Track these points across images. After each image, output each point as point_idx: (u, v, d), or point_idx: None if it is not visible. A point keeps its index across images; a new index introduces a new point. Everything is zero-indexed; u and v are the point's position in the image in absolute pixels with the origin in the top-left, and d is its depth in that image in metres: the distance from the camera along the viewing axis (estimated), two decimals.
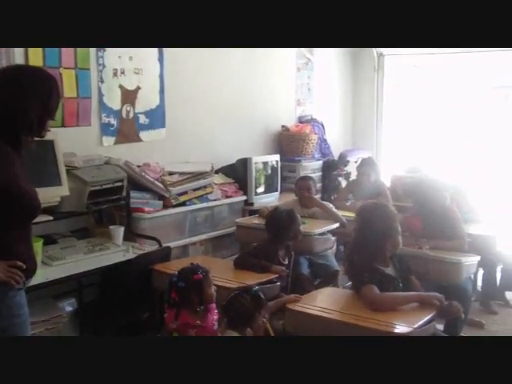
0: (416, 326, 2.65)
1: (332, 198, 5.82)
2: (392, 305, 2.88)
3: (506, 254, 4.76)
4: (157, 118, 4.54)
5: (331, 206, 4.80)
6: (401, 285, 3.07)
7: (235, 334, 2.62)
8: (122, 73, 4.23)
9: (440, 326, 3.72)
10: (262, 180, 5.08)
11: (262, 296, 2.76)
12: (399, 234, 3.16)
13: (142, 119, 4.44)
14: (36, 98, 2.06)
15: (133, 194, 3.93)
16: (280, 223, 3.80)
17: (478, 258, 3.86)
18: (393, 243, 3.11)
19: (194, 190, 4.36)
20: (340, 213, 4.74)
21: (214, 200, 4.52)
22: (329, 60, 6.72)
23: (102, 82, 4.08)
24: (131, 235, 3.82)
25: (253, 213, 4.79)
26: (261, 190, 5.05)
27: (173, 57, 4.55)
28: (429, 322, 2.76)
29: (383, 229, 3.08)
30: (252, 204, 4.92)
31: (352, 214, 4.72)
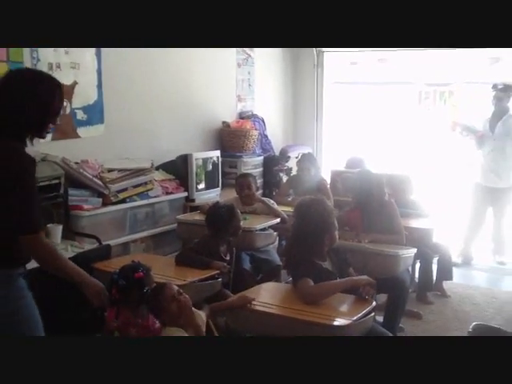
0: (355, 318, 2.70)
1: (273, 193, 5.86)
2: (325, 294, 2.90)
3: (442, 245, 4.92)
4: (95, 113, 4.46)
5: (272, 201, 4.83)
6: (338, 278, 3.11)
7: (175, 330, 2.59)
8: (58, 67, 4.13)
9: (380, 318, 3.83)
10: (203, 176, 5.07)
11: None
12: (336, 228, 3.21)
13: (80, 115, 4.35)
14: (38, 99, 2.11)
15: (71, 191, 3.85)
16: (220, 219, 3.81)
17: (415, 250, 3.96)
18: (330, 238, 3.16)
19: (134, 186, 4.32)
20: (281, 208, 4.79)
21: (155, 197, 4.48)
22: (269, 56, 6.75)
23: None
24: (70, 233, 3.74)
25: (194, 209, 4.77)
26: (202, 186, 5.04)
27: (111, 51, 4.46)
28: (367, 314, 2.81)
29: (320, 224, 3.12)
30: (193, 200, 4.90)
31: (289, 209, 4.81)
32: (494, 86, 5.68)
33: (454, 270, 5.39)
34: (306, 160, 5.55)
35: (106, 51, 4.44)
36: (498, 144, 5.66)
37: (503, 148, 5.66)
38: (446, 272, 5.01)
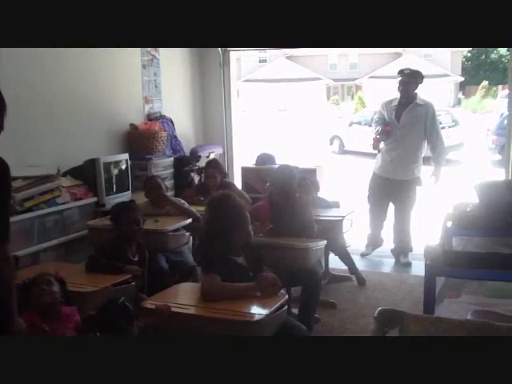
0: (269, 312, 2.77)
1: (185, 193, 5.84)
2: (224, 295, 2.95)
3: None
4: None
5: (183, 201, 4.83)
6: (251, 274, 3.16)
7: None
8: None
9: (296, 310, 3.92)
10: (113, 180, 4.99)
11: (130, 307, 2.69)
12: (249, 223, 3.26)
13: None
14: None
15: None
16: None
17: (325, 242, 4.08)
18: (243, 232, 3.21)
19: (40, 194, 4.19)
20: (193, 208, 4.81)
21: (63, 203, 4.37)
22: (174, 56, 6.73)
23: None
24: None
25: (105, 214, 4.67)
26: (112, 190, 4.95)
27: (8, 54, 4.31)
28: (281, 307, 2.88)
29: (232, 218, 3.17)
30: (103, 205, 4.81)
31: (202, 209, 4.84)
32: (401, 72, 5.56)
33: (366, 258, 5.62)
34: (210, 167, 5.46)
35: (3, 53, 4.28)
36: (403, 133, 5.49)
37: (407, 138, 5.50)
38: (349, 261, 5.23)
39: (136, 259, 3.77)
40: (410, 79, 5.49)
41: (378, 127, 5.59)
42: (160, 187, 4.73)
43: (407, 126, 5.51)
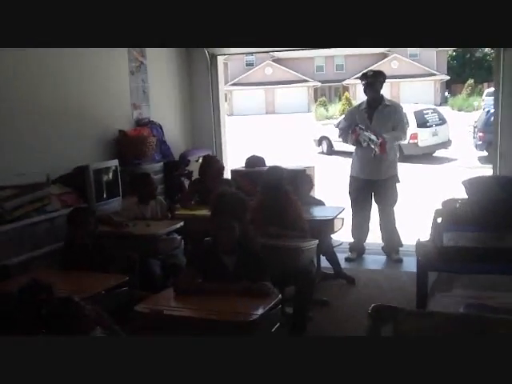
0: (263, 311, 2.79)
1: (176, 197, 5.85)
2: (192, 291, 3.10)
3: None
4: None
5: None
6: (234, 276, 3.21)
7: None
8: None
9: (290, 310, 3.94)
10: (103, 186, 4.97)
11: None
12: (248, 222, 3.31)
13: None
14: None
15: None
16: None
17: (317, 241, 4.09)
18: (241, 230, 3.26)
19: (30, 202, 4.17)
20: (184, 212, 4.84)
21: (53, 211, 4.35)
22: (162, 62, 6.72)
23: None
24: None
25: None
26: (102, 196, 4.94)
27: None
28: (274, 307, 2.90)
29: (238, 214, 3.25)
30: (94, 212, 4.79)
31: (194, 212, 4.88)
32: (364, 75, 5.68)
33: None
34: (210, 163, 5.55)
35: None
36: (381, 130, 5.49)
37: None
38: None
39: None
40: (375, 80, 5.58)
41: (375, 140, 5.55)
42: (150, 180, 4.90)
43: (379, 126, 5.55)
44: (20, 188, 4.16)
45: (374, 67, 32.94)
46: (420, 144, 13.87)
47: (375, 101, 5.64)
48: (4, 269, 3.55)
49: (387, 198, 5.71)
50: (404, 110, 5.90)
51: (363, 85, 5.63)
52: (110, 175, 5.11)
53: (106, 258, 3.80)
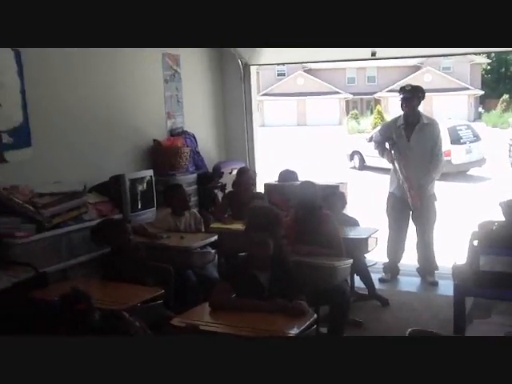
0: (299, 331, 2.78)
1: (209, 210, 5.87)
2: (226, 307, 3.12)
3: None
4: (21, 136, 4.34)
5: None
6: (268, 293, 3.20)
7: None
8: None
9: (324, 330, 3.91)
10: (138, 196, 5.02)
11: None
12: (282, 238, 3.31)
13: (6, 138, 4.23)
14: None
15: (1, 219, 3.74)
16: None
17: (351, 260, 4.06)
18: (275, 247, 3.26)
19: (68, 211, 4.22)
20: (217, 225, 4.85)
21: (89, 220, 4.38)
22: (196, 71, 6.76)
23: None
24: (2, 263, 3.63)
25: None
26: (137, 206, 4.98)
27: (34, 71, 4.38)
28: (310, 327, 2.89)
29: (266, 231, 3.24)
30: (129, 222, 4.82)
31: (229, 226, 4.89)
32: (402, 89, 5.56)
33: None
34: (244, 175, 5.55)
35: (28, 71, 4.35)
36: (415, 154, 5.42)
37: (419, 157, 5.42)
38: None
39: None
40: (413, 95, 5.45)
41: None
42: (185, 196, 4.94)
43: (418, 146, 5.45)
44: (58, 196, 4.21)
45: (407, 80, 32.72)
46: (453, 162, 13.60)
47: (413, 118, 5.51)
48: (43, 276, 3.60)
49: (426, 217, 5.56)
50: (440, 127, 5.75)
51: (400, 99, 5.51)
52: (145, 185, 5.15)
53: (143, 270, 3.83)
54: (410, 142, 5.49)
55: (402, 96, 5.50)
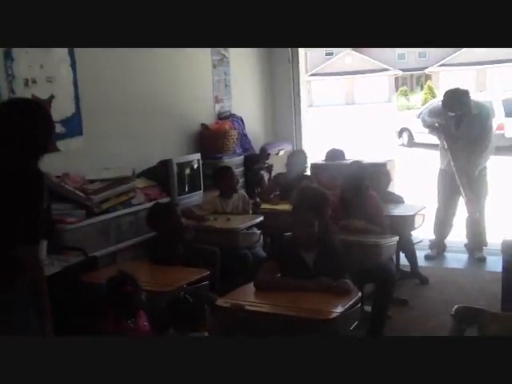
0: (342, 310, 2.79)
1: (256, 191, 5.91)
2: (272, 287, 3.17)
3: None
4: (73, 125, 4.46)
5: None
6: (313, 272, 3.21)
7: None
8: (34, 82, 4.13)
9: (369, 308, 3.91)
10: (185, 180, 5.09)
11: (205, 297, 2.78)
12: (328, 218, 3.33)
13: (59, 128, 4.35)
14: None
15: (53, 205, 3.86)
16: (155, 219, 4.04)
17: (397, 238, 4.03)
18: (320, 226, 3.28)
19: (117, 196, 4.32)
20: (264, 206, 4.90)
21: (138, 204, 4.47)
22: (243, 55, 6.77)
23: (14, 93, 3.97)
24: (54, 248, 3.75)
25: None
26: (184, 190, 5.06)
27: (86, 62, 4.48)
28: (354, 305, 2.90)
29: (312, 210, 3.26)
30: (176, 205, 4.92)
31: (275, 207, 4.92)
32: (447, 104, 5.34)
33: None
34: (295, 156, 5.65)
35: (80, 63, 4.46)
36: (463, 144, 5.34)
37: (469, 145, 5.31)
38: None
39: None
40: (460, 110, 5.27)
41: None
42: (233, 175, 4.99)
43: (466, 137, 5.34)
44: (107, 181, 4.31)
45: (458, 53, 31.81)
46: (507, 135, 13.25)
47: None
48: (93, 260, 3.70)
49: (477, 192, 5.45)
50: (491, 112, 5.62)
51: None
52: (192, 169, 5.21)
53: (190, 253, 3.90)
54: (459, 131, 5.38)
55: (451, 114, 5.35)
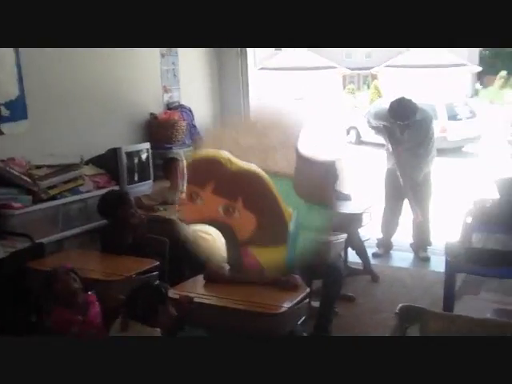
0: (292, 304, 2.83)
1: None
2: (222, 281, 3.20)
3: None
4: (17, 109, 4.34)
5: None
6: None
7: (139, 326, 2.59)
8: None
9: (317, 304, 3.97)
10: (134, 169, 5.04)
11: (164, 290, 2.75)
12: None
13: (3, 111, 4.24)
14: None
15: None
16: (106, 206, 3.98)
17: (345, 235, 4.10)
18: None
19: (64, 182, 4.25)
20: None
21: (86, 192, 4.41)
22: None
23: None
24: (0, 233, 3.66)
25: None
26: (133, 179, 5.00)
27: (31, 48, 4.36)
28: (302, 300, 2.94)
29: None
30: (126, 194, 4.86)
31: None
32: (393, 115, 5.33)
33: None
34: None
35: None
36: (407, 148, 5.39)
37: (411, 152, 5.37)
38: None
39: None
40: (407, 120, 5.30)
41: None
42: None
43: (410, 142, 5.39)
44: (55, 168, 4.23)
45: (404, 55, 32.42)
46: (449, 138, 13.61)
47: None
48: (40, 247, 3.63)
49: (422, 194, 5.57)
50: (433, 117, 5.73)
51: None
52: (142, 158, 5.16)
53: (142, 242, 3.87)
54: (403, 136, 5.42)
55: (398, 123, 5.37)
